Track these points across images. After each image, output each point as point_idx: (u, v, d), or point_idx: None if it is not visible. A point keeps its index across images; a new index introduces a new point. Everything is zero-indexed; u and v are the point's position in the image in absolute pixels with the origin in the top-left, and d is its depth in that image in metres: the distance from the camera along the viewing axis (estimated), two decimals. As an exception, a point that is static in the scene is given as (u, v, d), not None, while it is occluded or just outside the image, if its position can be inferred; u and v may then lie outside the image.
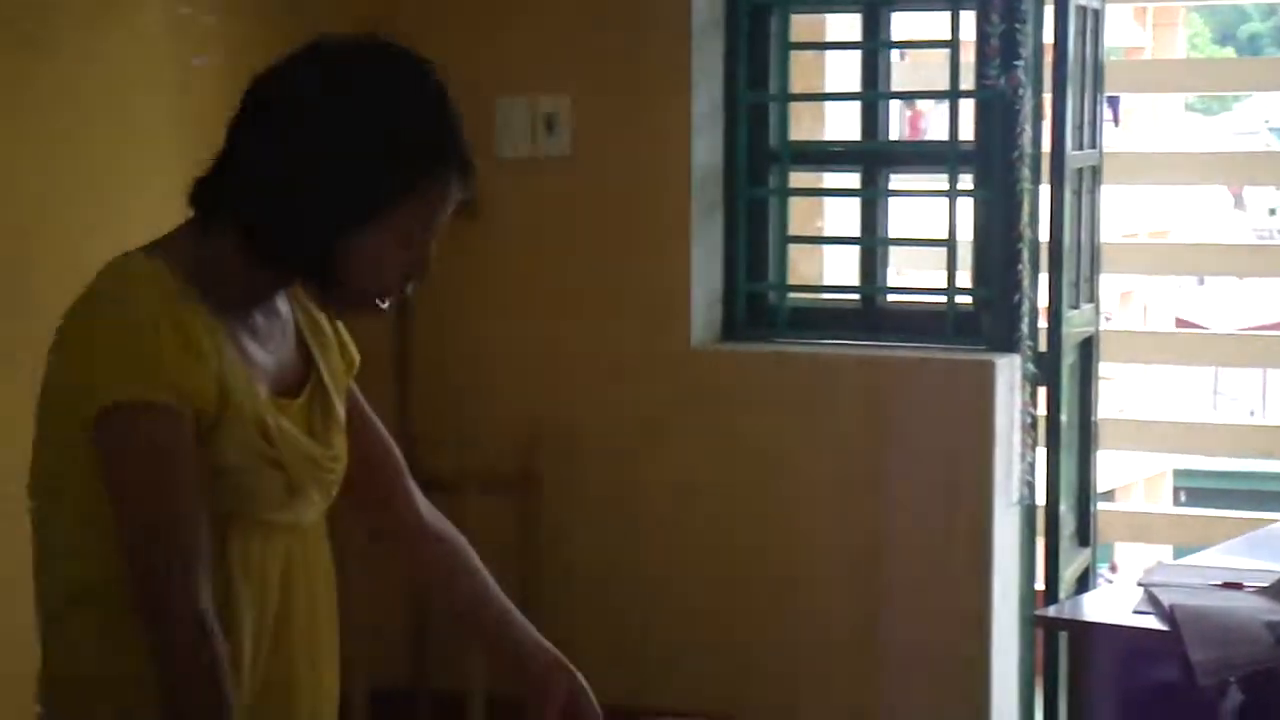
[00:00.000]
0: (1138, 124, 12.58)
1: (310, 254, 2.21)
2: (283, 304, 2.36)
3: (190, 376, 2.15)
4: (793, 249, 5.03)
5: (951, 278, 4.76)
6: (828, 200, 5.88)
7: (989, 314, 4.73)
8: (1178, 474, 11.28)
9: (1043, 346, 4.73)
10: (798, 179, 5.06)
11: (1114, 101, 11.96)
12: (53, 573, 2.26)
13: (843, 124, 5.46)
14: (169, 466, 2.14)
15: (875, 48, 4.86)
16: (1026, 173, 4.63)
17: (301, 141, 2.20)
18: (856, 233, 4.98)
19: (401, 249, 2.23)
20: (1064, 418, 4.76)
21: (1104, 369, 5.26)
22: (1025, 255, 4.65)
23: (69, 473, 2.20)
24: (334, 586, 2.41)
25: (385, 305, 2.29)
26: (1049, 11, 4.61)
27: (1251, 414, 15.68)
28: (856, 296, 4.95)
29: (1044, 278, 4.71)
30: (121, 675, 2.20)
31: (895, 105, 5.02)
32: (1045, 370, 4.71)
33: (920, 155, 5.01)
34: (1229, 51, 23.22)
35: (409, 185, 2.21)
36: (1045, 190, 4.67)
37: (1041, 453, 4.76)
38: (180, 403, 2.14)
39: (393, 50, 2.25)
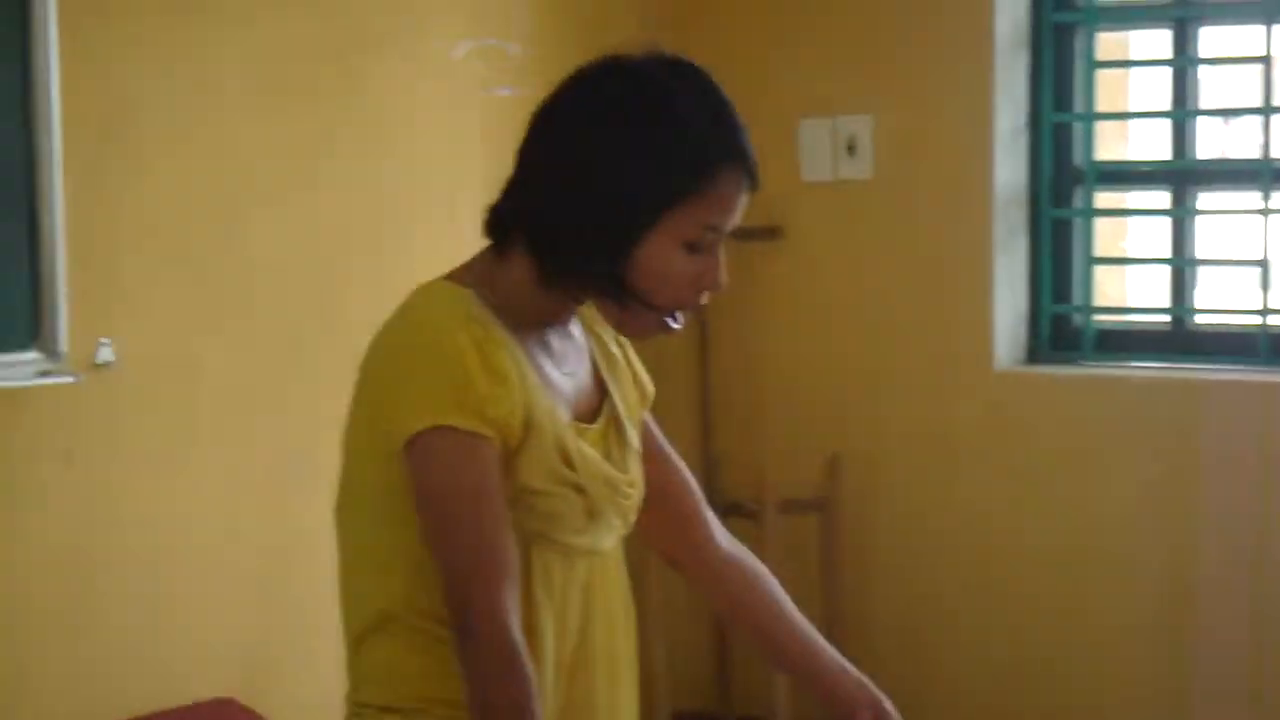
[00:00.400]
0: None
1: (599, 266, 2.22)
2: (576, 330, 2.38)
3: (497, 403, 2.17)
4: (1097, 269, 4.95)
5: (1265, 298, 4.64)
6: (1131, 219, 5.76)
7: (1304, 335, 4.60)
8: None
9: (1362, 368, 4.59)
10: (1103, 199, 4.98)
11: None
12: (356, 599, 2.29)
13: (1148, 141, 5.35)
14: (479, 492, 2.16)
15: (1184, 64, 4.76)
16: (1343, 189, 4.50)
17: (581, 151, 2.22)
18: (1163, 253, 4.88)
19: (689, 257, 2.22)
20: (1385, 442, 4.61)
21: None
22: (1343, 274, 4.52)
23: (375, 498, 2.23)
24: (633, 612, 2.42)
25: (677, 323, 2.28)
26: (1367, 23, 4.48)
27: None
28: (1165, 318, 4.85)
29: (1363, 297, 4.58)
30: (422, 701, 2.23)
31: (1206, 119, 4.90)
32: (1365, 392, 4.57)
33: (1231, 173, 4.87)
34: None
35: (689, 187, 2.19)
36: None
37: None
38: (488, 429, 2.16)
39: (669, 59, 2.26)
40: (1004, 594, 4.81)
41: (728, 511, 4.88)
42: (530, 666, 2.14)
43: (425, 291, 2.26)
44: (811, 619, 2.56)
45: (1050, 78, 4.87)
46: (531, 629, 2.22)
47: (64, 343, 3.71)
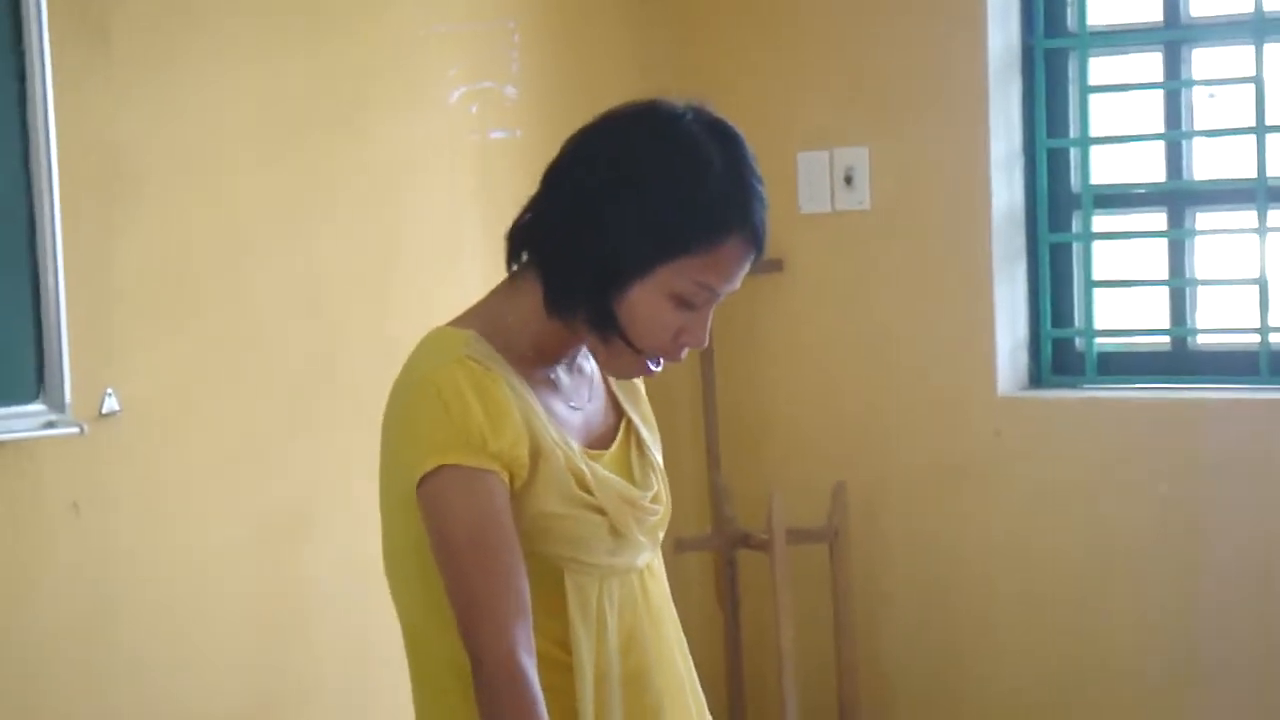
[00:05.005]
0: None
1: (587, 301, 2.25)
2: (588, 364, 2.40)
3: (498, 436, 2.20)
4: (1098, 292, 4.96)
5: (1264, 317, 4.65)
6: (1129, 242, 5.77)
7: (1304, 353, 4.61)
8: None
9: (1364, 385, 4.59)
10: (1099, 222, 4.99)
11: None
12: (424, 658, 2.31)
13: (1143, 164, 5.36)
14: (485, 524, 2.19)
15: (1177, 87, 4.78)
16: (1339, 206, 4.51)
17: (599, 185, 2.25)
18: (1161, 274, 4.89)
19: (678, 311, 2.26)
20: (1389, 458, 4.61)
21: None
22: (1341, 291, 4.53)
23: (417, 551, 2.25)
24: (679, 626, 2.43)
25: (657, 368, 2.32)
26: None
27: None
28: (1166, 339, 4.86)
29: (1362, 313, 4.58)
30: None
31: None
32: (1367, 409, 4.57)
33: (1226, 193, 4.88)
34: None
35: (690, 246, 2.23)
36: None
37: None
38: (492, 462, 2.19)
39: (709, 118, 2.28)
40: (1012, 617, 4.81)
41: (736, 543, 4.88)
42: (540, 701, 2.16)
43: (425, 340, 2.31)
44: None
45: (1043, 103, 4.89)
46: (570, 649, 2.25)
47: (69, 394, 3.71)
